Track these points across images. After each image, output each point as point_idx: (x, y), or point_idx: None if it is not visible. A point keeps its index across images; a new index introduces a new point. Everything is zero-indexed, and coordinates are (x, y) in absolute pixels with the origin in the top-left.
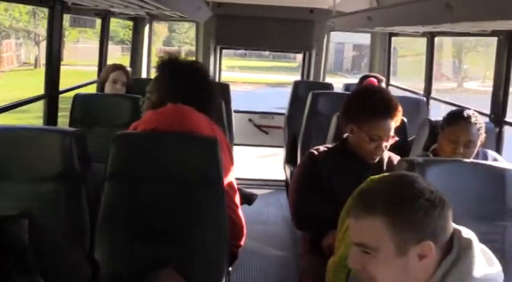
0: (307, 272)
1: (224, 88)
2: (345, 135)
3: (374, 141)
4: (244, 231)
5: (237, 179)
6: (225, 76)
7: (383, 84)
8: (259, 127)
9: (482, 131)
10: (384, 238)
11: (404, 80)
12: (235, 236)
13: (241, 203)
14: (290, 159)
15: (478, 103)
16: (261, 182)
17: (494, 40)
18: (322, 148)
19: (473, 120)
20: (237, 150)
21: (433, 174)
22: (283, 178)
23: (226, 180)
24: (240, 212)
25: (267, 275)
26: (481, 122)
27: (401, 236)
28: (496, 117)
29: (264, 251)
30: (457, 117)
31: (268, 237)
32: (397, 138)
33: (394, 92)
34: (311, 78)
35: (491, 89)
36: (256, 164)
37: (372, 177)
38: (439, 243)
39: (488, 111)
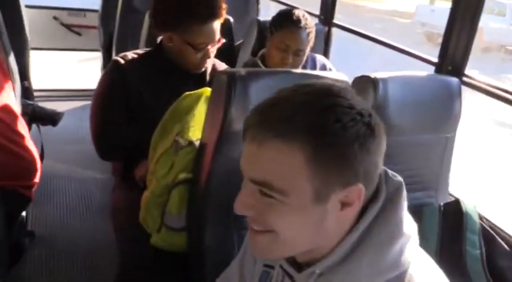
0: (119, 207)
1: None
2: (159, 39)
3: (200, 51)
4: (38, 167)
5: (43, 90)
6: None
7: None
8: (68, 27)
9: (312, 35)
10: (299, 177)
11: None
12: (22, 175)
13: (44, 124)
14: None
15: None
16: (75, 92)
17: None
18: (130, 55)
19: (303, 24)
20: (40, 55)
21: (255, 90)
22: None
23: None
24: (28, 142)
25: (85, 201)
26: (311, 25)
27: (325, 177)
28: (326, 18)
29: (79, 174)
30: (286, 22)
31: (84, 157)
32: (223, 41)
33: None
34: None
35: None
36: (69, 71)
37: (282, 89)
38: (369, 187)
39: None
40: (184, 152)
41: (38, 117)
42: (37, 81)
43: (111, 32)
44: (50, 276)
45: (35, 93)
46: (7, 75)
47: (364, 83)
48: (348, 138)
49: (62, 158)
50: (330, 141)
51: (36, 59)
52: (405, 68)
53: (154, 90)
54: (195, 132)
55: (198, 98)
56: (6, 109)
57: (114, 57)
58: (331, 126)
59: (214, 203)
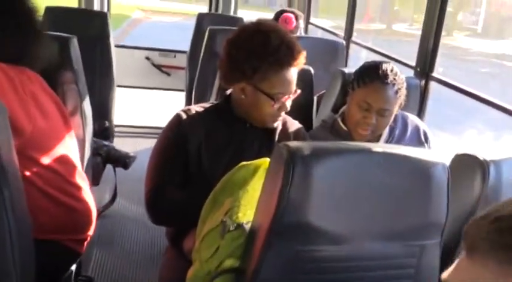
0: (165, 275)
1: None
2: (229, 91)
3: (276, 101)
4: (93, 219)
5: (126, 126)
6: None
7: (301, 23)
8: (158, 67)
9: (402, 93)
10: None
11: (328, 19)
12: (74, 228)
13: (117, 166)
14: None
15: (407, 48)
16: (158, 130)
17: None
18: (195, 108)
19: (390, 79)
20: (128, 93)
21: (320, 172)
22: None
23: (51, 156)
24: (85, 194)
25: (147, 249)
26: (401, 81)
27: None
28: (422, 70)
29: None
30: (370, 76)
31: None
32: (299, 91)
33: (313, 32)
34: (220, 11)
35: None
36: (155, 109)
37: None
38: None
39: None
40: (231, 236)
41: (112, 159)
42: (122, 118)
43: (196, 74)
44: None
45: (119, 129)
46: (69, 123)
47: (469, 164)
48: None
49: (135, 198)
50: None
51: (125, 97)
52: None
53: (216, 149)
54: (247, 213)
55: (254, 170)
56: (63, 160)
57: (193, 99)
58: None
59: None
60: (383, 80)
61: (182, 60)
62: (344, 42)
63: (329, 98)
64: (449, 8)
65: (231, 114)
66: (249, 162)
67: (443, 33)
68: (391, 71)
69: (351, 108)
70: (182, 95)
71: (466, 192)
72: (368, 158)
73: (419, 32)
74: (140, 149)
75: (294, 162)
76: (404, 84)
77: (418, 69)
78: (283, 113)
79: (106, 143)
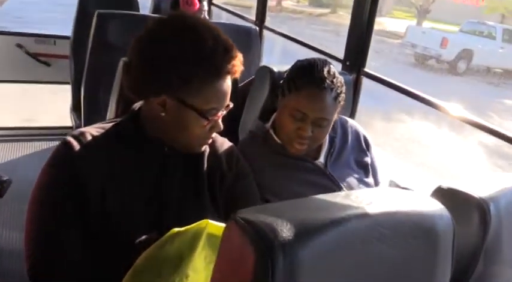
0: None
1: None
2: (136, 105)
3: (209, 120)
4: None
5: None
6: None
7: (205, 4)
8: (34, 56)
9: (342, 97)
10: None
11: None
12: None
13: None
14: (76, 106)
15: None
16: (38, 131)
17: None
18: (91, 131)
19: (327, 83)
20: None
21: (311, 258)
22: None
23: None
24: None
25: None
26: (340, 83)
27: None
28: (352, 64)
29: None
30: (303, 80)
31: None
32: (231, 105)
33: (216, 13)
34: None
35: None
36: (33, 106)
37: None
38: None
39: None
40: None
41: None
42: None
43: (83, 64)
44: None
45: None
46: None
47: (462, 203)
48: None
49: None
50: None
51: None
52: None
53: (126, 188)
54: None
55: (193, 239)
56: None
57: (82, 96)
58: None
59: None
60: (319, 84)
61: (64, 48)
62: (257, 28)
63: (255, 102)
64: None
65: (142, 137)
66: (182, 229)
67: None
68: (328, 72)
69: (283, 118)
70: (66, 88)
71: (463, 241)
72: (365, 227)
73: (308, 9)
74: (22, 154)
75: (273, 255)
76: (344, 88)
77: (348, 63)
78: (214, 134)
79: None
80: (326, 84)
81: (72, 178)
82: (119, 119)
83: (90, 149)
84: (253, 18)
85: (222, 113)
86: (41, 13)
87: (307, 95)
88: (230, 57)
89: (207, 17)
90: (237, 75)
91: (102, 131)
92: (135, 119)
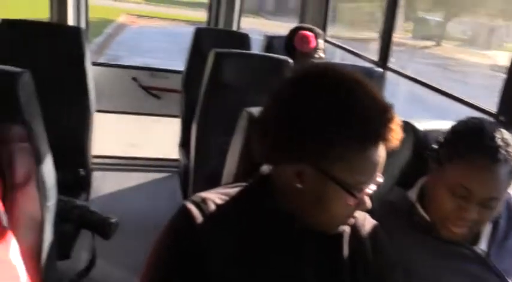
0: None
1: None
2: (265, 168)
3: (355, 195)
4: None
5: (108, 157)
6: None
7: (321, 43)
8: (147, 89)
9: None
10: None
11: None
12: None
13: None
14: (185, 141)
15: None
16: (146, 161)
17: None
18: (213, 198)
19: (502, 153)
20: (113, 119)
21: None
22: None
23: None
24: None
25: None
26: None
27: None
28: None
29: None
30: (472, 147)
31: None
32: (382, 180)
33: (329, 50)
34: (221, 23)
35: None
36: (142, 138)
37: None
38: None
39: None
40: None
41: (87, 225)
42: (102, 148)
43: (194, 98)
44: None
45: (99, 160)
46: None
47: None
48: None
49: (119, 262)
50: None
51: (106, 123)
52: None
53: (255, 266)
54: None
55: None
56: None
57: (193, 131)
58: None
59: None
60: (492, 155)
61: (174, 82)
62: (381, 69)
63: (392, 164)
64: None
65: (273, 210)
66: None
67: None
68: (503, 139)
69: (439, 193)
70: (175, 122)
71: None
72: None
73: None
74: (125, 187)
75: None
76: None
77: (502, 119)
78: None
79: (79, 202)
80: (501, 156)
81: (193, 254)
82: (244, 184)
83: (215, 222)
84: (370, 55)
85: (372, 188)
86: (150, 42)
87: (477, 168)
88: (387, 120)
89: (323, 56)
90: (394, 143)
91: (227, 198)
92: (263, 185)
